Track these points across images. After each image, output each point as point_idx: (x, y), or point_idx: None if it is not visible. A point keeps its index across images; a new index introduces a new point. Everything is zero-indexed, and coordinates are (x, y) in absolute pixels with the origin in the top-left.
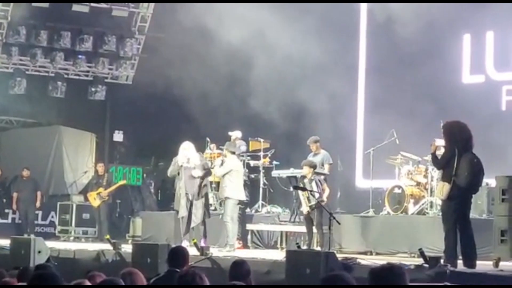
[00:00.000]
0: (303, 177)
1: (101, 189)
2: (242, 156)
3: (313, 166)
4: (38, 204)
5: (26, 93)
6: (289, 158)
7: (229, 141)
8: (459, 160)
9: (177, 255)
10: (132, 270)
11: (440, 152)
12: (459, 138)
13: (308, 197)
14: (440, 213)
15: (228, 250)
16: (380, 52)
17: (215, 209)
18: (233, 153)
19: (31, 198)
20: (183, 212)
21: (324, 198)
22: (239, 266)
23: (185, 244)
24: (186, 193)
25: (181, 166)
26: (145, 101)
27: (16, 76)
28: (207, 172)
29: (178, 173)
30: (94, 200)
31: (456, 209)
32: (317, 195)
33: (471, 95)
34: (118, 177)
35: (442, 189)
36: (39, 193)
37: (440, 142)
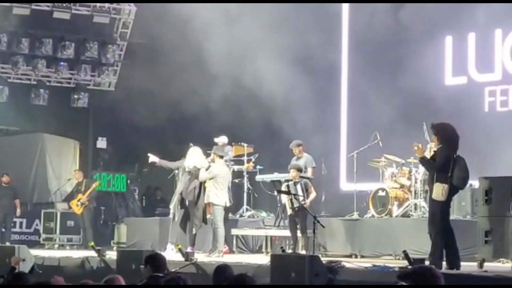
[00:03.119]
0: (288, 180)
1: (80, 195)
2: (227, 162)
3: (299, 169)
4: (18, 212)
5: (8, 101)
6: (273, 162)
7: (217, 145)
8: (454, 161)
9: (156, 260)
10: (113, 277)
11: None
12: (454, 140)
13: (291, 200)
14: (425, 215)
15: (217, 256)
16: (362, 54)
17: None
18: (221, 157)
19: (11, 205)
20: (174, 214)
21: (308, 201)
22: (222, 271)
23: (169, 247)
24: (184, 198)
25: (186, 170)
26: (128, 108)
27: None
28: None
29: (177, 173)
30: (77, 207)
31: (446, 210)
32: (301, 198)
33: (454, 97)
34: (102, 184)
35: (442, 190)
36: (17, 201)
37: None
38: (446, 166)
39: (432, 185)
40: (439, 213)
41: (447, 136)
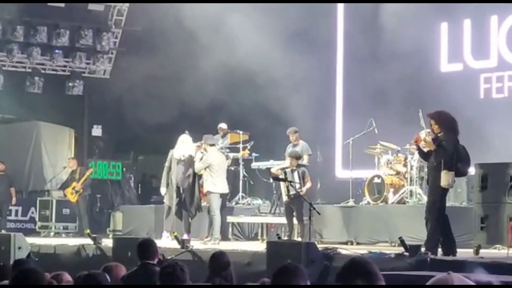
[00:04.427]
0: (285, 167)
1: (74, 183)
2: (222, 149)
3: (298, 157)
4: (14, 200)
5: (3, 89)
6: (268, 150)
7: (206, 134)
8: (457, 148)
9: (147, 247)
10: (114, 264)
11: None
12: (456, 126)
13: (287, 187)
14: (421, 202)
15: (213, 243)
16: (358, 41)
17: None
18: (212, 145)
19: (6, 193)
20: (171, 203)
21: (304, 190)
22: (218, 258)
23: (165, 235)
24: (178, 187)
25: (178, 159)
26: (123, 95)
27: None
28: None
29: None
30: (72, 195)
31: (445, 197)
32: (297, 185)
33: (449, 84)
34: (98, 171)
35: (452, 177)
36: (12, 189)
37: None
38: (455, 153)
39: (436, 172)
40: (440, 201)
41: (449, 123)
